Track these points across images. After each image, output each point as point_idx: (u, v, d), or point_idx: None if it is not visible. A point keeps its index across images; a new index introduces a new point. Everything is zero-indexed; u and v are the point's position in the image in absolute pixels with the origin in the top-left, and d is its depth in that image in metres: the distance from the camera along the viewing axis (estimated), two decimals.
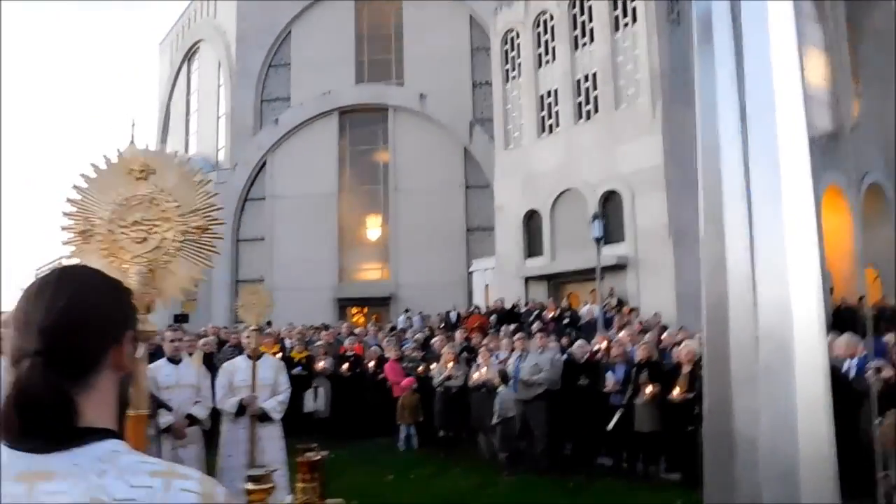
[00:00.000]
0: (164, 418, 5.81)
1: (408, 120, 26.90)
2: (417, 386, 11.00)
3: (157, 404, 5.78)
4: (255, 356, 6.02)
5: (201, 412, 5.90)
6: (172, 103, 37.45)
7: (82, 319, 1.02)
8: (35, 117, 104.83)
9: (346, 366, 11.95)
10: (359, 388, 11.75)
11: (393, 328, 17.39)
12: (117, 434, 1.02)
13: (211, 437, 6.31)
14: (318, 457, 3.31)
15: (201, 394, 6.07)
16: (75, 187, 2.73)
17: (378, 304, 26.35)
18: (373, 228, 27.78)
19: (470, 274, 25.01)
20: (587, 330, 14.68)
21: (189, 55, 35.55)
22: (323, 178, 26.88)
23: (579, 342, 10.38)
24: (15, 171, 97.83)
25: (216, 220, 2.83)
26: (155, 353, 6.92)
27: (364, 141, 27.74)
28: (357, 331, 16.13)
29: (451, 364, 10.44)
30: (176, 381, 6.02)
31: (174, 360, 6.13)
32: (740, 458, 1.17)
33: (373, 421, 11.25)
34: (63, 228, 2.69)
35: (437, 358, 11.48)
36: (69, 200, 2.69)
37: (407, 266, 26.15)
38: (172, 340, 6.26)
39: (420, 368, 11.34)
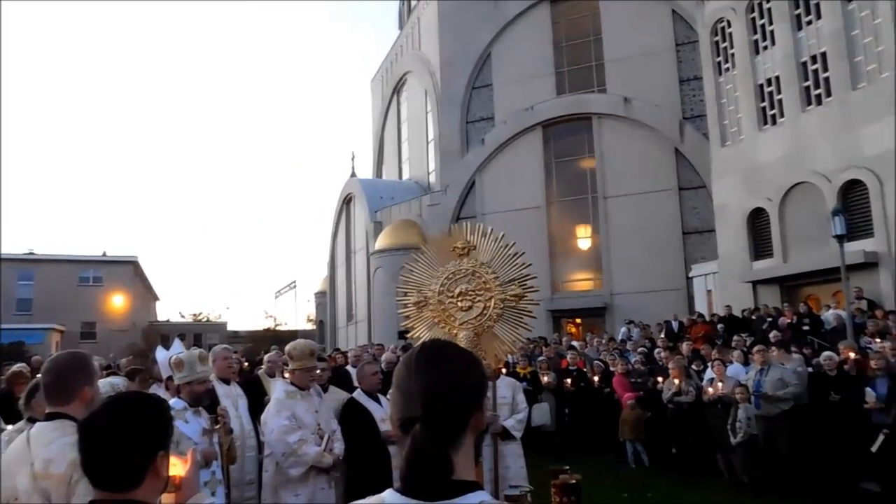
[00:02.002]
0: None
1: (612, 126, 26.30)
2: (645, 400, 10.66)
3: None
4: (494, 376, 6.26)
5: None
6: (385, 134, 40.34)
7: (455, 388, 1.21)
8: (260, 151, 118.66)
9: (569, 380, 11.93)
10: (584, 402, 11.67)
11: (611, 339, 17.00)
12: (479, 485, 1.21)
13: None
14: (574, 480, 3.34)
15: None
16: (407, 265, 3.21)
17: (592, 315, 25.95)
18: (583, 238, 27.48)
19: (689, 279, 23.72)
20: (832, 337, 13.20)
21: (398, 87, 38.10)
22: (530, 192, 27.19)
23: (827, 353, 9.39)
24: (246, 204, 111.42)
25: (531, 288, 3.13)
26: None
27: (569, 151, 27.62)
28: (576, 343, 16.03)
29: (678, 379, 9.98)
30: None
31: None
32: None
33: (599, 436, 11.09)
34: (399, 300, 3.16)
35: (661, 370, 11.05)
36: (403, 276, 3.17)
37: (621, 274, 25.48)
38: None
39: (649, 383, 10.96)
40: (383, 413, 6.10)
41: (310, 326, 52.07)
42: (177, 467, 1.71)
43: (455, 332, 3.09)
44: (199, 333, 48.06)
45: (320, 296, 44.12)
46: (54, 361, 2.60)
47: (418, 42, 34.76)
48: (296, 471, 4.40)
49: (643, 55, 27.11)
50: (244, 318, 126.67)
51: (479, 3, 30.54)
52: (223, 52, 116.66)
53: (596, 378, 11.88)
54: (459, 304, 3.14)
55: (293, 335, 42.50)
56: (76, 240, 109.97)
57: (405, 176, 37.36)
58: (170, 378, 5.10)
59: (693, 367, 10.92)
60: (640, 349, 13.80)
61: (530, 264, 3.44)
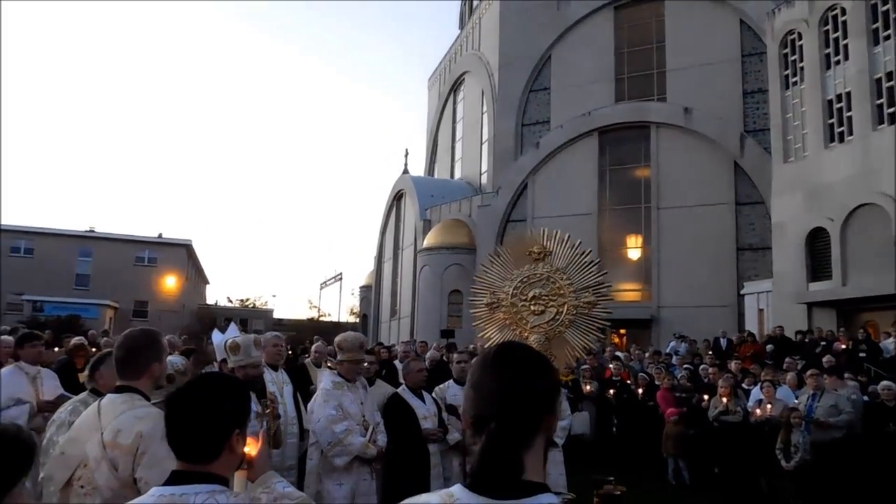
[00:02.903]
0: (452, 435, 6.27)
1: (671, 135, 25.83)
2: (688, 417, 10.45)
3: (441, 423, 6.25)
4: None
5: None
6: (440, 132, 40.50)
7: (529, 390, 1.23)
8: (313, 151, 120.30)
9: (612, 391, 11.79)
10: (625, 414, 11.51)
11: (657, 353, 16.70)
12: (548, 487, 1.23)
13: None
14: (618, 492, 3.31)
15: None
16: (482, 266, 3.26)
17: (638, 327, 25.53)
18: (633, 248, 27.08)
19: (741, 297, 23.14)
20: (890, 366, 12.73)
21: (455, 87, 38.21)
22: (582, 199, 26.92)
23: (886, 383, 9.05)
24: (297, 202, 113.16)
25: (606, 296, 3.15)
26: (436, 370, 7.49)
27: (624, 159, 27.24)
28: (619, 354, 15.81)
29: (725, 398, 9.76)
30: (461, 401, 6.47)
31: (461, 381, 6.60)
32: None
33: (640, 449, 10.92)
34: (472, 300, 3.21)
35: (706, 387, 10.83)
36: (477, 277, 3.23)
37: (669, 287, 25.01)
38: (459, 362, 6.74)
39: (694, 399, 10.75)
40: (426, 410, 6.14)
41: (352, 319, 52.65)
42: (250, 446, 1.79)
43: (526, 335, 3.12)
44: (245, 319, 49.08)
45: (365, 290, 44.56)
46: (128, 337, 2.70)
47: (478, 42, 34.79)
48: (340, 460, 4.47)
49: (707, 65, 26.56)
50: (289, 307, 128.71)
51: (541, 4, 30.38)
52: (287, 45, 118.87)
53: (640, 390, 11.70)
54: (532, 307, 3.20)
55: (336, 327, 43.06)
56: (134, 220, 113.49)
57: (457, 175, 37.45)
58: (224, 360, 5.24)
59: (744, 385, 10.67)
60: (685, 365, 13.55)
61: (605, 272, 3.44)
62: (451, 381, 6.81)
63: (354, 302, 54.50)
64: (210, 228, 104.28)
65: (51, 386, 5.38)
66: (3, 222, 38.94)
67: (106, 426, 2.41)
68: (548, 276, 3.22)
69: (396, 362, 10.13)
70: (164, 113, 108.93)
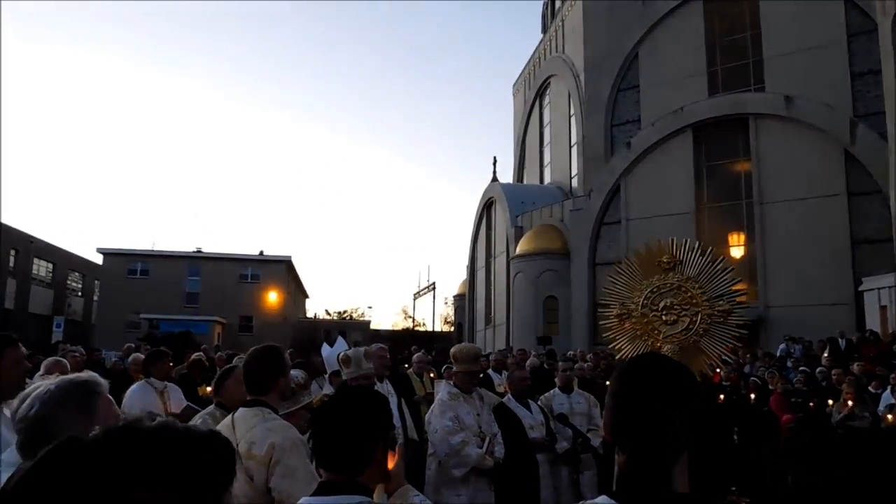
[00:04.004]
0: (560, 445, 6.17)
1: (771, 126, 24.57)
2: (806, 423, 9.86)
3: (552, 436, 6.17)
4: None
5: (595, 440, 6.13)
6: (527, 138, 40.30)
7: (673, 402, 1.20)
8: (399, 159, 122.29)
9: (722, 396, 11.28)
10: (740, 420, 10.99)
11: (768, 355, 15.88)
12: (697, 499, 1.21)
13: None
14: (744, 502, 3.17)
15: (593, 422, 6.32)
16: (610, 277, 3.28)
17: (744, 328, 24.33)
18: (735, 246, 25.89)
19: (859, 293, 21.63)
20: None
21: (541, 91, 37.94)
22: (678, 197, 26.04)
23: None
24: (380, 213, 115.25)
25: (740, 304, 3.09)
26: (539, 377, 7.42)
27: (721, 155, 26.14)
28: (727, 358, 15.14)
29: (851, 402, 9.14)
30: (569, 410, 6.36)
31: (566, 390, 6.50)
32: None
33: (756, 456, 10.39)
34: (601, 312, 3.23)
35: (827, 391, 10.19)
36: (605, 288, 3.25)
37: (777, 286, 23.74)
38: (564, 370, 6.65)
39: (812, 404, 10.14)
40: (533, 420, 6.09)
41: (446, 328, 53.02)
42: (388, 459, 1.82)
43: (659, 345, 3.07)
44: (343, 331, 50.41)
45: (459, 299, 44.81)
46: (253, 355, 2.83)
47: (562, 45, 34.44)
48: (458, 471, 4.49)
49: (808, 49, 25.11)
50: (383, 317, 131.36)
51: (626, 2, 29.72)
52: (372, 55, 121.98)
53: (752, 395, 11.15)
54: (664, 317, 3.14)
55: (431, 336, 43.51)
56: (237, 239, 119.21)
57: (547, 180, 37.14)
58: (335, 373, 5.39)
59: (871, 388, 9.98)
60: (801, 367, 12.82)
61: (740, 280, 3.33)
62: (556, 389, 6.72)
63: (447, 310, 54.89)
64: (308, 243, 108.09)
65: (177, 399, 5.70)
66: (125, 247, 42.00)
67: (241, 438, 2.52)
68: (679, 285, 3.15)
69: (490, 371, 10.10)
70: (256, 135, 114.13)
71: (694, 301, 3.11)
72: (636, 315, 3.18)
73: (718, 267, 3.21)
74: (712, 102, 26.39)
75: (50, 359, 5.67)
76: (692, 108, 26.27)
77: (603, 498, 1.22)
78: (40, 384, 1.70)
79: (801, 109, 23.78)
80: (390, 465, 1.83)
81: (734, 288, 3.13)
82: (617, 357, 4.07)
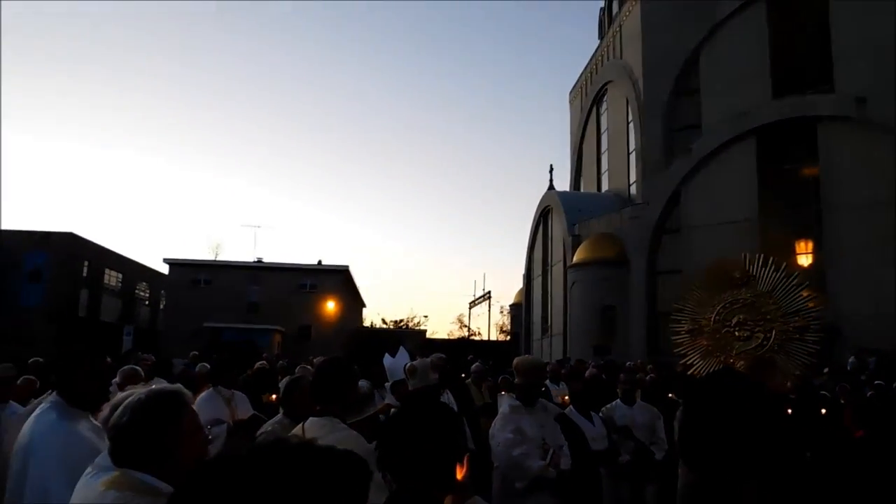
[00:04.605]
0: (623, 458, 6.07)
1: (841, 129, 23.64)
2: (885, 441, 9.40)
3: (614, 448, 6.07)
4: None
5: (659, 453, 6.01)
6: (584, 145, 39.89)
7: (751, 422, 1.18)
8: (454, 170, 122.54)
9: (790, 410, 10.89)
10: (811, 437, 10.58)
11: (839, 368, 15.25)
12: None
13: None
14: None
15: (656, 435, 6.19)
16: (683, 295, 3.26)
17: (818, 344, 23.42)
18: (802, 254, 24.98)
19: None
20: None
21: (597, 98, 37.53)
22: (741, 204, 25.31)
23: None
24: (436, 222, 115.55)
25: (816, 320, 3.02)
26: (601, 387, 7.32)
27: (787, 159, 25.30)
28: (797, 372, 14.60)
29: None
30: (631, 422, 6.26)
31: (628, 402, 6.39)
32: None
33: (829, 475, 9.97)
34: (673, 328, 3.21)
35: None
36: (677, 305, 3.24)
37: (848, 296, 22.74)
38: (626, 382, 6.55)
39: (887, 419, 9.67)
40: (595, 432, 6.00)
41: (501, 337, 52.80)
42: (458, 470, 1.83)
43: (731, 360, 3.01)
44: (399, 340, 50.68)
45: (515, 308, 44.59)
46: (321, 368, 2.90)
47: (619, 50, 34.01)
48: (519, 483, 4.47)
49: (882, 46, 24.05)
50: (438, 326, 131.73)
51: (685, 4, 29.12)
52: (427, 62, 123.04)
53: (822, 410, 10.71)
54: (737, 333, 3.08)
55: (486, 345, 43.40)
56: (296, 249, 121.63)
57: (604, 188, 36.67)
58: (396, 382, 5.44)
59: None
60: (876, 381, 12.27)
61: (815, 296, 3.24)
62: (617, 401, 6.61)
63: (502, 320, 54.68)
64: (364, 252, 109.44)
65: (244, 407, 5.84)
66: (189, 257, 43.48)
67: None
68: (752, 300, 3.09)
69: (547, 382, 10.00)
70: (314, 144, 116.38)
71: (768, 317, 3.04)
72: (708, 330, 3.12)
73: (793, 282, 3.12)
74: (778, 105, 25.58)
75: (126, 367, 5.91)
76: (755, 111, 25.53)
77: None
78: (131, 392, 1.78)
79: (874, 111, 22.82)
80: (459, 476, 1.84)
81: (810, 304, 3.02)
82: (689, 372, 3.99)
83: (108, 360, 2.91)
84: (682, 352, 3.28)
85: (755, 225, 25.02)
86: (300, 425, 2.77)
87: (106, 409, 1.82)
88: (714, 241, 24.96)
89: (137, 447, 1.70)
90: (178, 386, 1.83)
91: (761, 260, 3.38)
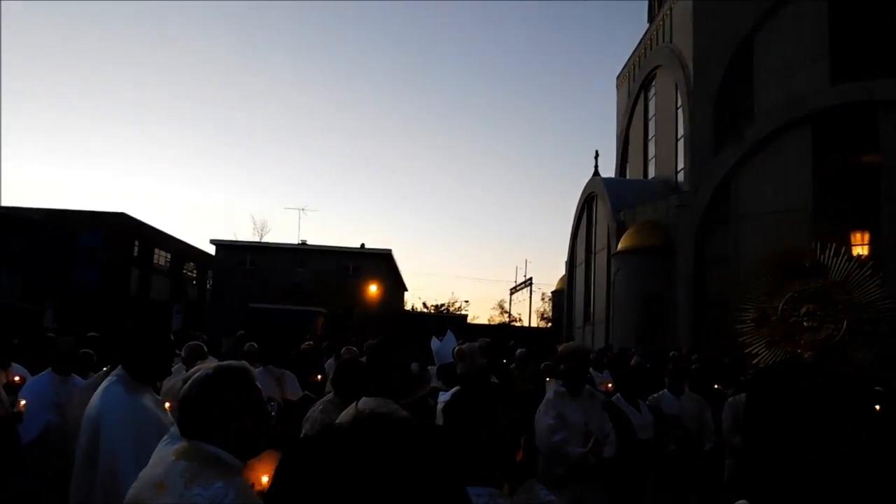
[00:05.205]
0: (669, 447, 6.01)
1: None
2: None
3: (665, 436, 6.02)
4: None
5: (707, 443, 5.94)
6: (631, 131, 39.23)
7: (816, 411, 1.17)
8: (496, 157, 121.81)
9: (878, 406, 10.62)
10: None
11: None
12: None
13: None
14: None
15: (704, 425, 6.10)
16: (753, 283, 3.21)
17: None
18: (859, 245, 24.16)
19: None
20: None
21: (646, 83, 36.80)
22: (794, 193, 24.57)
23: None
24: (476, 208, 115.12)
25: (890, 312, 2.94)
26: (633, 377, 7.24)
27: (844, 147, 24.41)
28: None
29: None
30: (679, 412, 6.18)
31: (676, 391, 6.31)
32: None
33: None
34: (737, 315, 3.17)
35: None
36: (742, 293, 3.19)
37: None
38: (673, 371, 6.46)
39: None
40: (642, 420, 5.95)
41: (542, 324, 52.61)
42: None
43: (799, 351, 2.93)
44: (441, 324, 50.93)
45: (557, 295, 44.35)
46: (375, 349, 2.95)
47: (669, 34, 33.23)
48: (559, 469, 4.47)
49: None
50: (480, 311, 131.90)
51: None
52: (472, 51, 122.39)
53: (877, 407, 10.41)
54: (805, 323, 3.00)
55: (526, 331, 43.30)
56: (339, 232, 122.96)
57: (651, 175, 36.04)
58: (444, 365, 5.49)
59: None
60: None
61: (885, 289, 3.14)
62: (665, 390, 6.53)
63: (544, 306, 54.43)
64: (407, 236, 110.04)
65: (293, 386, 5.98)
66: (236, 239, 44.32)
67: None
68: (822, 290, 2.99)
69: (591, 370, 9.95)
70: (358, 130, 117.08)
71: (840, 307, 2.94)
72: (774, 319, 3.03)
73: (867, 273, 3.01)
74: (835, 90, 24.69)
75: (191, 342, 6.21)
76: (812, 96, 24.70)
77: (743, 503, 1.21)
78: (200, 367, 1.85)
79: None
80: (518, 458, 1.85)
81: (884, 297, 2.91)
82: (755, 361, 3.90)
83: (171, 337, 3.00)
84: (747, 341, 3.20)
85: (809, 215, 24.29)
86: (353, 405, 2.83)
87: (178, 381, 1.89)
88: (765, 231, 24.36)
89: (205, 420, 1.77)
90: (244, 362, 1.89)
91: (832, 249, 3.27)
